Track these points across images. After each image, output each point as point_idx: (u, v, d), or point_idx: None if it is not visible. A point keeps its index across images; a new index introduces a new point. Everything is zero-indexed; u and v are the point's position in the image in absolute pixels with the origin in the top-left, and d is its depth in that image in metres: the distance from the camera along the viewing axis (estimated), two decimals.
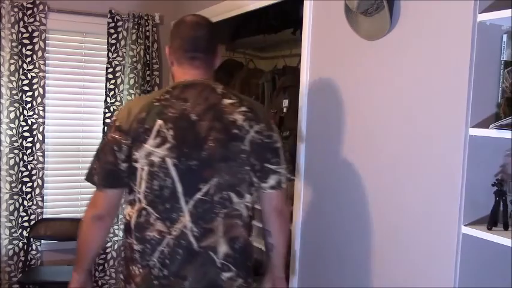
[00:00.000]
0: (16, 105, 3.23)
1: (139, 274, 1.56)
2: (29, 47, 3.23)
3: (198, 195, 1.54)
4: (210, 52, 1.68)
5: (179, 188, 1.54)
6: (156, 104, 1.56)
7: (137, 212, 1.57)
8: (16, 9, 3.19)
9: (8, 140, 3.23)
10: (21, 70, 3.23)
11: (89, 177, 1.62)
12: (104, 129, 3.43)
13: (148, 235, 1.55)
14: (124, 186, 1.60)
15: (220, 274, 1.57)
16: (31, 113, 3.27)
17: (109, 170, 1.57)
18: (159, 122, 1.54)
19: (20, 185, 3.28)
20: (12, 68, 3.20)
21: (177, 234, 1.54)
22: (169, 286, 1.55)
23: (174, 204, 1.54)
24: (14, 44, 3.19)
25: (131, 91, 3.43)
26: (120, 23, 3.45)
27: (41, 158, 3.31)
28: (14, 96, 3.22)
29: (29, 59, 3.24)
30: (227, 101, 1.60)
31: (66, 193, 3.56)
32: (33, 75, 3.26)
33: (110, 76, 3.45)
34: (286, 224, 1.78)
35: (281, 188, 1.67)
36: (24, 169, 3.28)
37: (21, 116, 3.25)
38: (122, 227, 1.95)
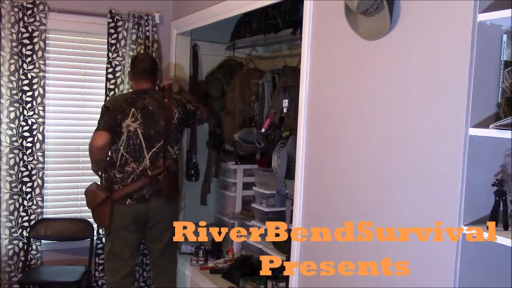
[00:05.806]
0: (16, 105, 3.23)
1: (119, 189, 2.90)
2: (29, 47, 3.23)
3: (153, 149, 2.92)
4: (152, 74, 3.05)
5: (144, 145, 2.90)
6: (129, 100, 2.93)
7: (120, 157, 2.89)
8: (16, 9, 3.19)
9: (8, 140, 3.23)
10: (21, 70, 3.23)
11: (98, 128, 2.87)
12: None
13: (126, 169, 2.89)
14: (114, 133, 2.86)
15: (160, 181, 2.95)
16: (31, 113, 3.27)
17: (110, 122, 2.86)
18: (133, 109, 2.89)
19: (20, 185, 3.28)
20: (12, 68, 3.20)
21: (142, 169, 2.90)
22: (135, 192, 2.90)
23: (141, 153, 2.90)
24: (14, 44, 3.19)
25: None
26: (120, 23, 3.44)
27: (41, 158, 3.31)
28: (14, 96, 3.22)
29: (29, 59, 3.24)
30: (165, 99, 3.00)
31: (66, 193, 3.56)
32: (33, 75, 3.26)
33: (110, 76, 3.45)
34: None
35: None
36: (24, 169, 3.28)
37: (21, 116, 3.25)
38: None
